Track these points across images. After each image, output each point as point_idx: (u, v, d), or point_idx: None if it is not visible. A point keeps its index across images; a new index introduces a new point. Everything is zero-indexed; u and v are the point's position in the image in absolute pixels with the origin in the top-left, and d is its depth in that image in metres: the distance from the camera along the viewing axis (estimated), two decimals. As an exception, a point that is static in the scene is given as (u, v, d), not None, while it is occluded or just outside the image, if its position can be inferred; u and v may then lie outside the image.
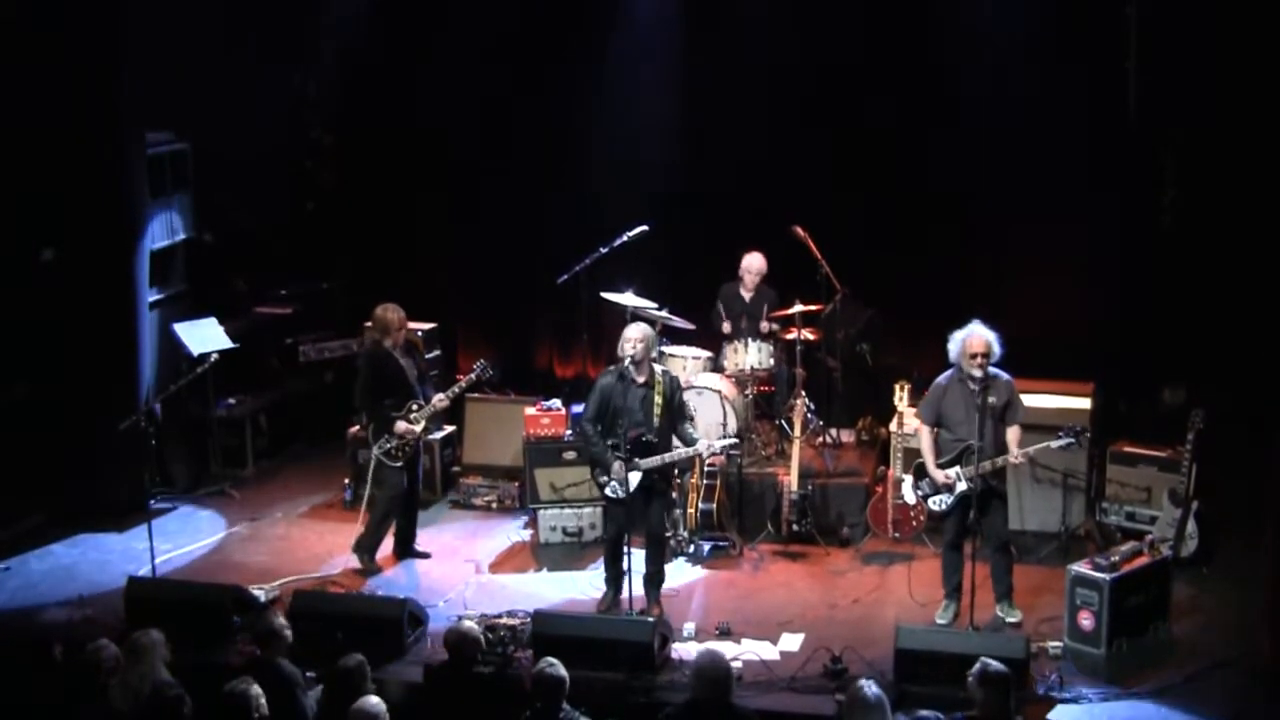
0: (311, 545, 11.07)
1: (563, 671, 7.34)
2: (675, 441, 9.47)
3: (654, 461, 9.35)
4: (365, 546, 10.52)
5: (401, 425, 10.33)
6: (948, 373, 9.34)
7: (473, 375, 10.61)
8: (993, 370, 9.15)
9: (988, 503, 9.21)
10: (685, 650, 8.98)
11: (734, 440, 9.95)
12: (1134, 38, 11.64)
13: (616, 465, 9.32)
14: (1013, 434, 9.20)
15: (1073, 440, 9.29)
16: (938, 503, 9.37)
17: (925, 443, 9.39)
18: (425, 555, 10.77)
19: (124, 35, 11.32)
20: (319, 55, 13.63)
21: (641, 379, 9.42)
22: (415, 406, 10.39)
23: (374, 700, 7.15)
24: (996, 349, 9.12)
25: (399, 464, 10.39)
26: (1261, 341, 11.33)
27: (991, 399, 9.07)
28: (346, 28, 13.43)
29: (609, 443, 9.36)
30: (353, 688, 7.36)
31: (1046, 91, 11.92)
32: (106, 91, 11.25)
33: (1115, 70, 11.75)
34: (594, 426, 9.48)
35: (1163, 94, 11.62)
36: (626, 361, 9.36)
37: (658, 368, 9.61)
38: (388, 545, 10.70)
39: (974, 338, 9.11)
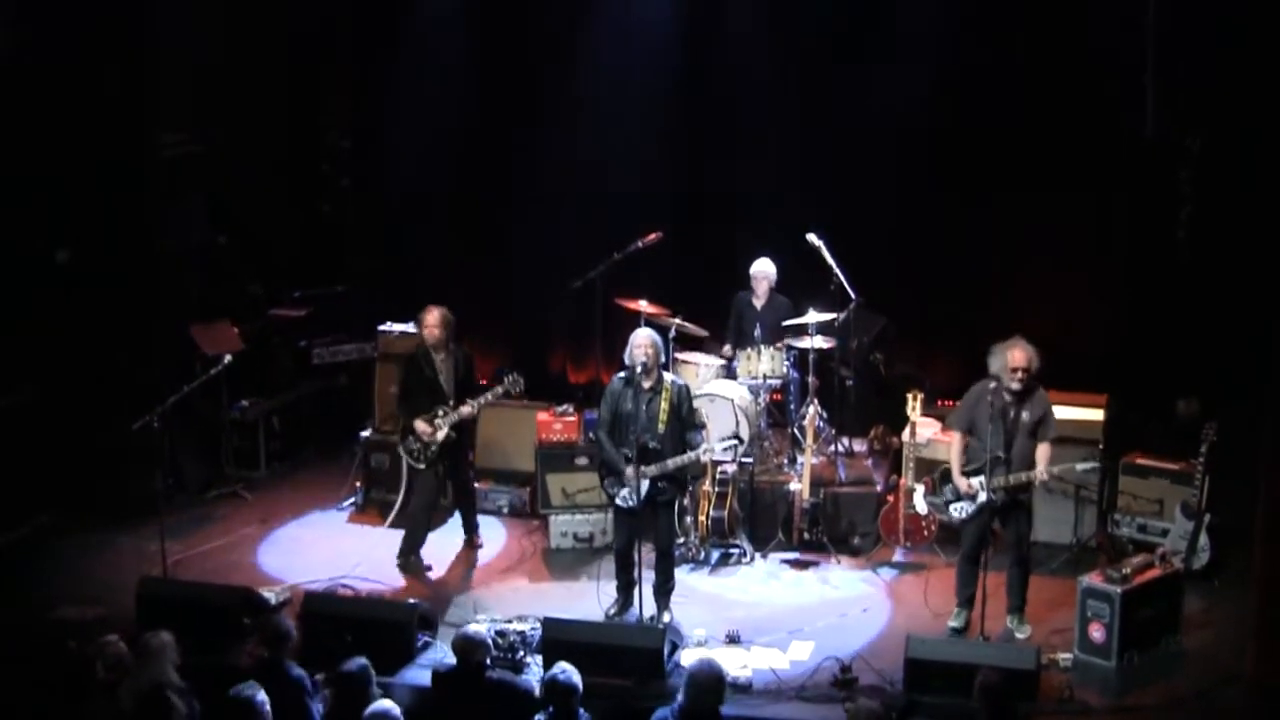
0: (322, 548, 11.07)
1: (576, 679, 7.35)
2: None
3: (657, 469, 9.32)
4: (404, 552, 10.55)
5: (419, 424, 10.36)
6: (985, 382, 9.28)
7: (500, 388, 10.49)
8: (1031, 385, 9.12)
9: (1011, 514, 9.22)
10: (694, 658, 8.94)
11: (734, 441, 9.88)
12: (1151, 50, 11.63)
13: (629, 470, 9.29)
14: (1043, 450, 9.14)
15: (1097, 465, 9.47)
16: (959, 509, 9.34)
17: (955, 448, 9.37)
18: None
19: (143, 36, 11.35)
20: (336, 60, 13.66)
21: (648, 384, 9.40)
22: (441, 411, 10.41)
23: (388, 704, 7.16)
24: (1037, 364, 9.09)
25: (422, 465, 10.45)
26: (1275, 354, 11.28)
27: (1025, 414, 9.06)
28: (363, 33, 13.48)
29: (622, 451, 9.35)
30: (356, 691, 7.37)
31: (1063, 102, 11.91)
32: (123, 92, 11.28)
33: (1132, 82, 11.73)
34: (608, 434, 9.48)
35: (1179, 106, 11.59)
36: (638, 369, 9.35)
37: (667, 375, 9.58)
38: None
39: (1017, 351, 9.06)
